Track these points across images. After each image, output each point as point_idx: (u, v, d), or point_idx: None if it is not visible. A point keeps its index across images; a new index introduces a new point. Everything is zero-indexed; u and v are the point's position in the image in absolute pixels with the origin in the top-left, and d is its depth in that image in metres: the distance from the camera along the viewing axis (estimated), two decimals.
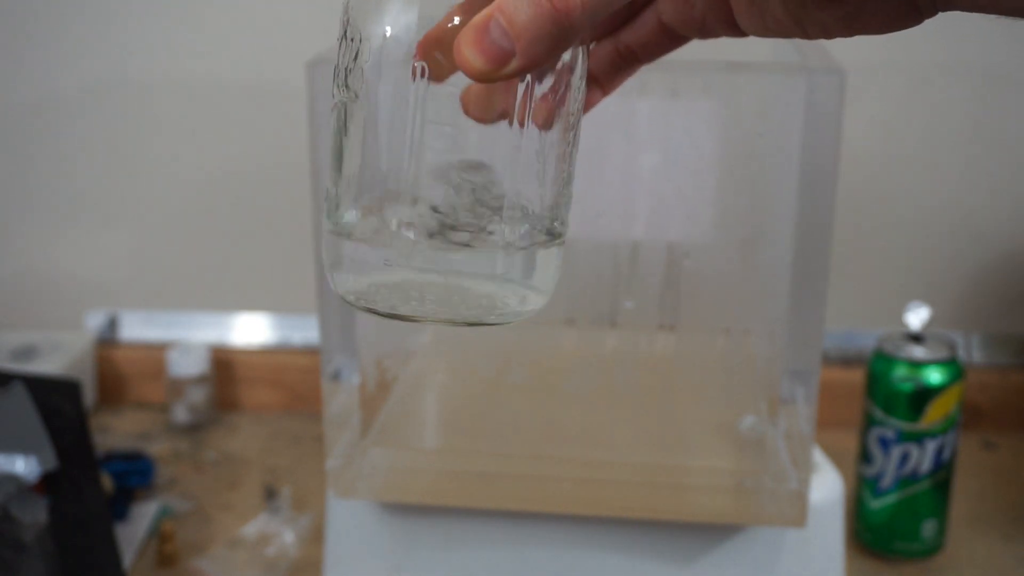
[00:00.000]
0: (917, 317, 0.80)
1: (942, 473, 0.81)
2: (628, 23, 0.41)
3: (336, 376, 0.71)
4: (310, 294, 0.74)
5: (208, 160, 1.08)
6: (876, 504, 0.82)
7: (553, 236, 0.39)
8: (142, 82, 1.06)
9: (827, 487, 0.71)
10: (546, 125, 0.37)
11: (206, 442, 1.03)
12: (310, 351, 1.10)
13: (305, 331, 1.11)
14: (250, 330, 1.12)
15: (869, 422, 0.81)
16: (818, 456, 0.73)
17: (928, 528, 0.82)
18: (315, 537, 0.84)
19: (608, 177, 0.68)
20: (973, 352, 1.06)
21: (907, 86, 1.01)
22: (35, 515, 0.68)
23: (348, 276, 0.38)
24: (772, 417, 0.69)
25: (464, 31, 0.33)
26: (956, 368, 0.79)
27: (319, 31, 0.74)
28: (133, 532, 0.86)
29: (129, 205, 1.10)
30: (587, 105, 0.41)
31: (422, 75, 0.35)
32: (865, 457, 0.82)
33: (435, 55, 0.35)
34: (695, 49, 0.43)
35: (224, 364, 1.09)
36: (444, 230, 0.37)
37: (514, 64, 0.32)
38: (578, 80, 0.38)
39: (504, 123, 0.36)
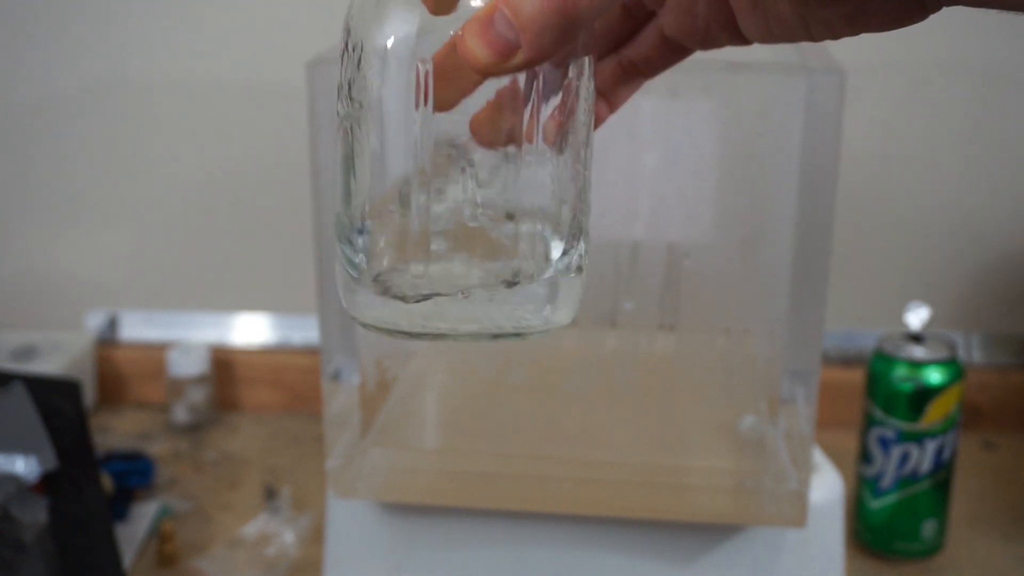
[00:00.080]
0: (917, 317, 0.80)
1: (942, 473, 0.81)
2: (630, 39, 0.41)
3: (336, 376, 0.71)
4: (310, 294, 0.74)
5: (208, 160, 1.08)
6: (876, 504, 0.82)
7: (573, 251, 0.38)
8: (142, 82, 1.06)
9: (827, 487, 0.71)
10: (556, 142, 0.36)
11: (206, 442, 1.03)
12: (310, 351, 1.10)
13: (305, 331, 1.11)
14: (250, 330, 1.12)
15: (869, 422, 0.81)
16: (818, 456, 0.73)
17: (928, 528, 0.82)
18: (315, 537, 0.84)
19: (608, 177, 0.67)
20: (973, 352, 1.06)
21: (907, 86, 1.01)
22: (35, 515, 0.68)
23: (363, 300, 0.38)
24: (772, 417, 0.69)
25: (469, 23, 0.32)
26: (956, 368, 0.79)
27: (319, 31, 0.74)
28: (133, 532, 0.86)
29: (129, 205, 1.10)
30: (595, 122, 0.40)
31: (425, 104, 0.35)
32: (865, 457, 0.82)
33: (440, 84, 0.35)
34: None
35: (224, 364, 1.09)
36: (461, 248, 0.36)
37: (520, 56, 0.32)
38: (587, 93, 0.37)
39: (515, 142, 0.36)
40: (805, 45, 0.67)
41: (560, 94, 0.36)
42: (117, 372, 1.11)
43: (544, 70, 0.35)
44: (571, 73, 0.36)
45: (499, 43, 0.32)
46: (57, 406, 0.77)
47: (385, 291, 0.37)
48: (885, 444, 0.80)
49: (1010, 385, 1.04)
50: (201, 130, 1.07)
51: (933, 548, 0.83)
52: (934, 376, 0.78)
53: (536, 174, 0.36)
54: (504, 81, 0.35)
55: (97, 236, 1.11)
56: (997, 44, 0.99)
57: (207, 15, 1.04)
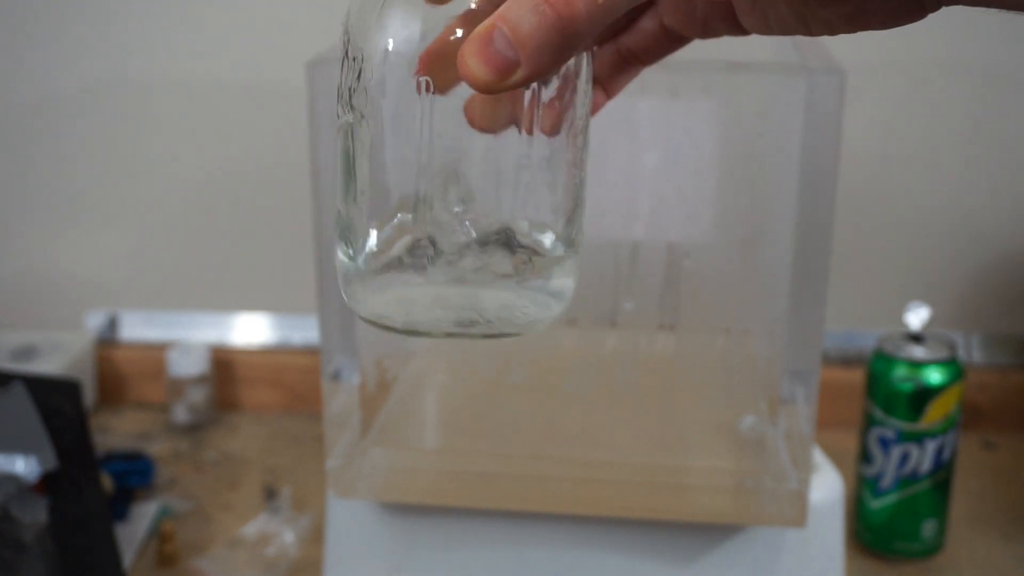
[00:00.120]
0: (917, 317, 0.80)
1: (942, 473, 0.81)
2: (629, 27, 0.41)
3: (336, 376, 0.71)
4: (310, 294, 0.74)
5: (208, 160, 1.08)
6: (876, 504, 0.82)
7: (570, 243, 0.38)
8: (142, 82, 1.06)
9: (827, 487, 0.71)
10: (554, 131, 0.36)
11: (206, 442, 1.03)
12: (310, 351, 1.10)
13: (305, 331, 1.11)
14: (250, 330, 1.12)
15: (869, 422, 0.81)
16: (818, 456, 0.73)
17: (928, 528, 0.82)
18: (315, 537, 0.84)
19: (608, 177, 0.67)
20: (973, 352, 1.06)
21: (907, 86, 1.01)
22: (35, 515, 0.68)
23: (364, 295, 0.38)
24: (772, 417, 0.69)
25: (467, 42, 0.32)
26: (956, 368, 0.79)
27: (319, 31, 0.74)
28: (133, 532, 0.86)
29: (129, 205, 1.10)
30: (592, 109, 0.41)
31: (427, 90, 0.35)
32: (865, 457, 0.82)
33: (438, 69, 0.35)
34: (695, 49, 0.43)
35: (224, 364, 1.09)
36: (459, 244, 0.36)
37: (519, 74, 0.32)
38: (584, 84, 0.37)
39: (513, 133, 0.36)
40: (805, 44, 0.67)
41: (559, 81, 0.36)
42: (117, 372, 1.11)
43: None
44: (570, 62, 0.36)
45: (498, 61, 0.32)
46: (57, 406, 0.77)
47: (384, 287, 0.37)
48: (885, 444, 0.80)
49: (1010, 385, 1.04)
50: (201, 130, 1.07)
51: (933, 548, 0.83)
52: (934, 376, 0.78)
53: (535, 173, 0.36)
54: None
55: (97, 236, 1.11)
56: (997, 44, 0.99)
57: (207, 15, 1.04)
